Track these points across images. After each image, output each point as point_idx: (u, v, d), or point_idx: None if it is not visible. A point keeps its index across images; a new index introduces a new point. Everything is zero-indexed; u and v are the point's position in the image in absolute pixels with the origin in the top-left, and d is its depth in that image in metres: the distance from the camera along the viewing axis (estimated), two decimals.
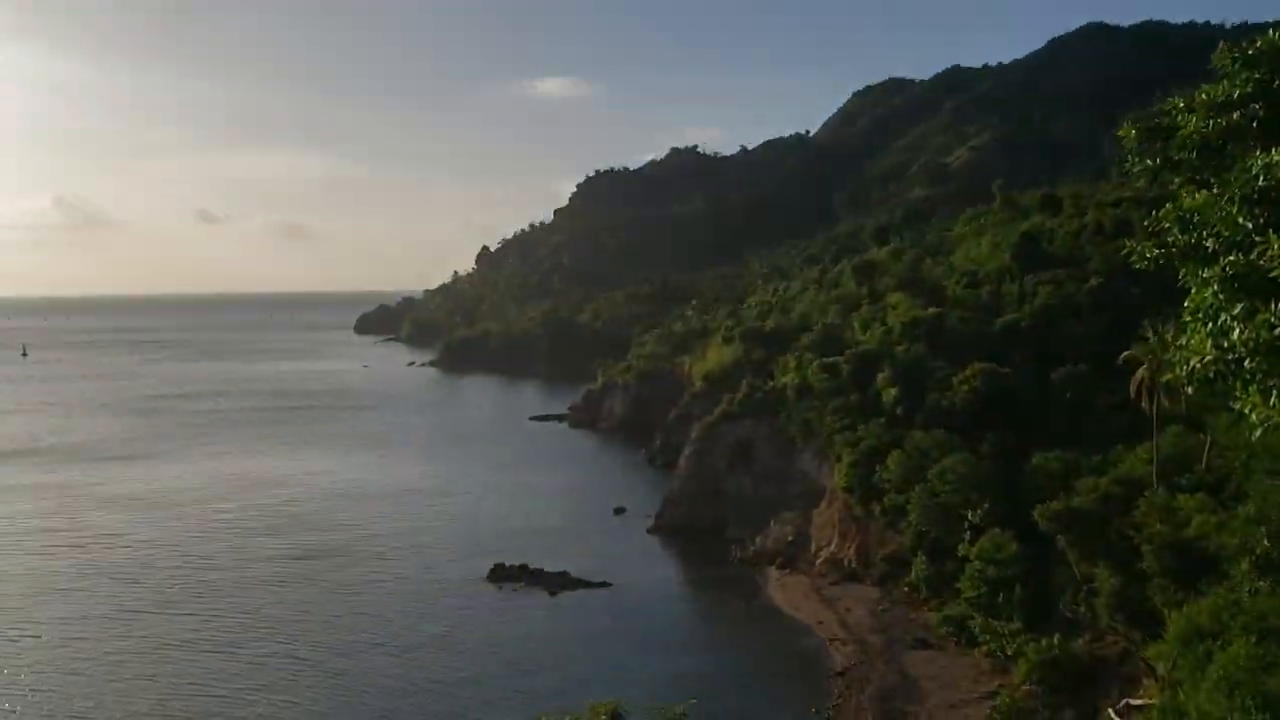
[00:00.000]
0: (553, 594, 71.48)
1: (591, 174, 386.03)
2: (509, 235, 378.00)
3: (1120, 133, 13.88)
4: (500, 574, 74.77)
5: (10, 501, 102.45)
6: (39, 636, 63.68)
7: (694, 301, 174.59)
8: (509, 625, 66.21)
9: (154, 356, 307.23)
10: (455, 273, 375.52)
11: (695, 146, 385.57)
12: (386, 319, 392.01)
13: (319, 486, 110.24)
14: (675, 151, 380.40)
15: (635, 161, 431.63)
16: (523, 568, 75.20)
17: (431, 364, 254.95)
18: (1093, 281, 77.02)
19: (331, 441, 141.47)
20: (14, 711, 52.25)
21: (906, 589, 64.70)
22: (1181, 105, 12.88)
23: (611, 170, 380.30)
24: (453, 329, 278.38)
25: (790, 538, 78.19)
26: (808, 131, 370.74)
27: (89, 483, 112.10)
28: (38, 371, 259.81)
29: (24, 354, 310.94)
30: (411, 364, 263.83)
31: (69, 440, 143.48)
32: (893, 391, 75.23)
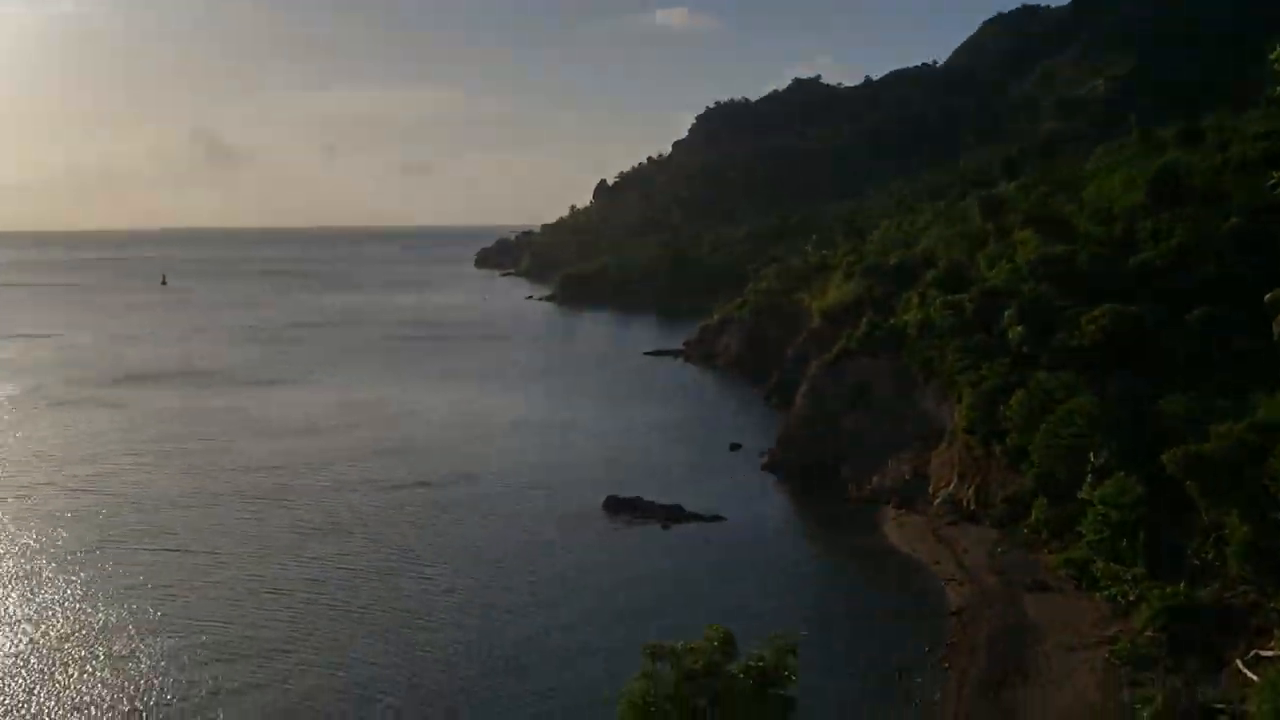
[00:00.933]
0: (665, 527, 72.55)
1: (711, 106, 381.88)
2: (627, 169, 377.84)
3: (1274, 56, 13.28)
4: (614, 506, 76.15)
5: (158, 423, 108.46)
6: (189, 551, 67.68)
7: (814, 236, 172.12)
8: (622, 556, 67.59)
9: (284, 287, 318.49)
10: (573, 207, 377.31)
11: (818, 77, 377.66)
12: (505, 253, 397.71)
13: (441, 416, 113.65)
14: (798, 83, 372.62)
15: (756, 93, 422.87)
16: (636, 500, 76.41)
17: (548, 298, 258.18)
18: (1234, 219, 73.35)
19: (452, 372, 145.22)
20: (162, 616, 55.86)
21: (1026, 531, 63.67)
22: None
23: (731, 102, 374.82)
24: (570, 263, 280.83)
25: (907, 477, 77.51)
26: (935, 62, 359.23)
27: (230, 406, 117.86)
28: (177, 299, 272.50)
29: (163, 283, 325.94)
30: (529, 298, 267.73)
31: (210, 365, 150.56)
32: (1018, 330, 73.43)
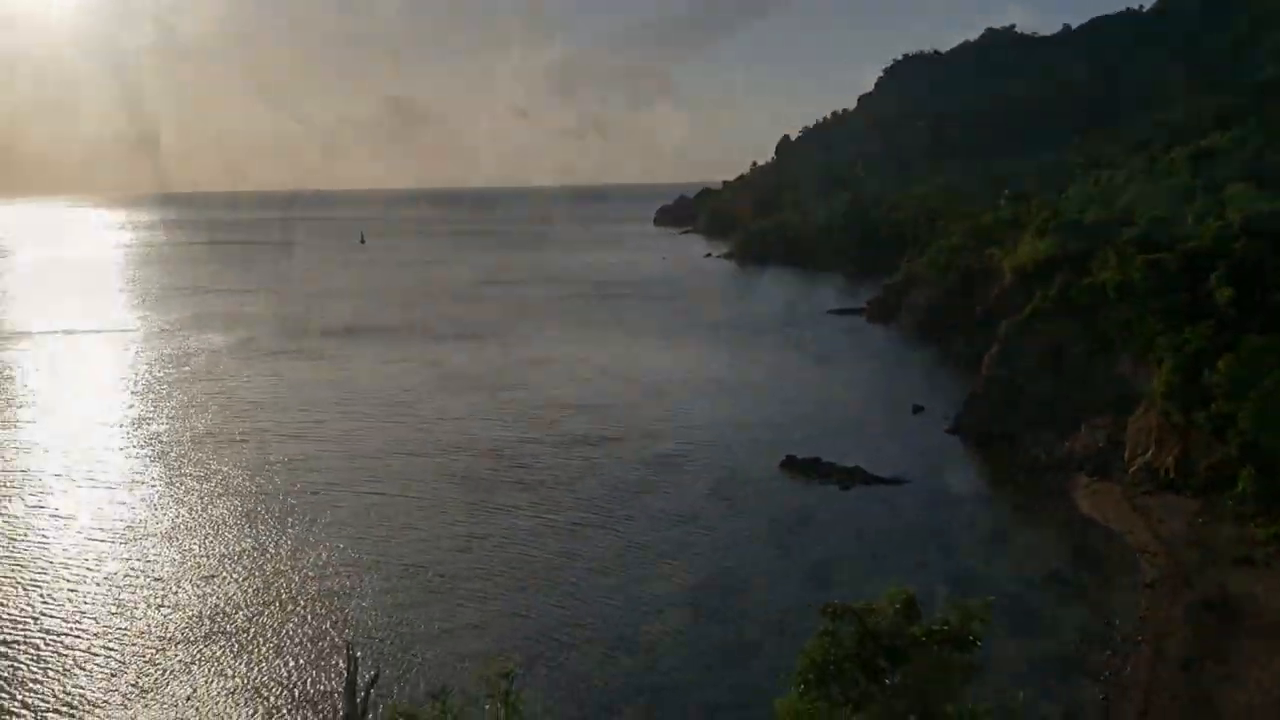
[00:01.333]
0: (845, 488, 72.39)
1: (899, 59, 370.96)
2: (810, 124, 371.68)
3: None
4: (793, 466, 76.41)
5: (361, 375, 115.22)
6: (392, 496, 72.10)
7: (1006, 191, 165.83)
8: (799, 516, 67.90)
9: (473, 246, 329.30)
10: (754, 163, 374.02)
11: (1012, 26, 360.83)
12: (684, 211, 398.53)
13: (621, 373, 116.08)
14: (990, 32, 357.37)
15: (946, 44, 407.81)
16: (815, 461, 76.41)
17: (727, 255, 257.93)
18: None
19: (631, 330, 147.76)
20: (369, 558, 59.89)
21: (1230, 502, 60.63)
22: None
23: (920, 54, 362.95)
24: (750, 220, 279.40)
25: (1101, 444, 74.68)
26: (1141, 7, 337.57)
27: (428, 360, 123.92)
28: (375, 257, 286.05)
29: (361, 241, 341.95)
30: (708, 255, 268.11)
31: (406, 320, 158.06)
32: (1227, 291, 69.43)
